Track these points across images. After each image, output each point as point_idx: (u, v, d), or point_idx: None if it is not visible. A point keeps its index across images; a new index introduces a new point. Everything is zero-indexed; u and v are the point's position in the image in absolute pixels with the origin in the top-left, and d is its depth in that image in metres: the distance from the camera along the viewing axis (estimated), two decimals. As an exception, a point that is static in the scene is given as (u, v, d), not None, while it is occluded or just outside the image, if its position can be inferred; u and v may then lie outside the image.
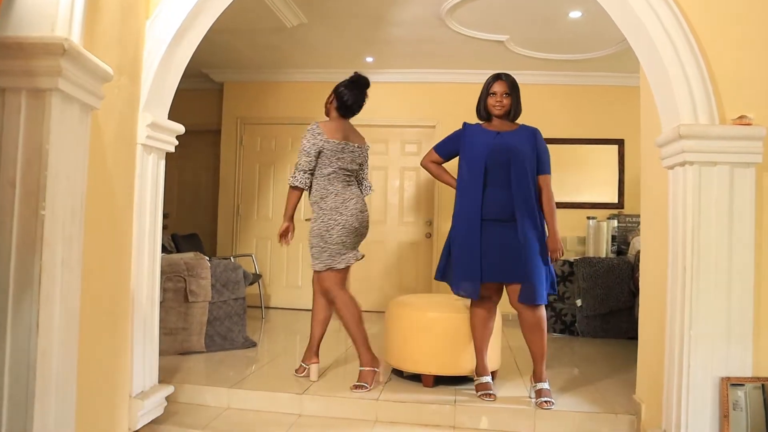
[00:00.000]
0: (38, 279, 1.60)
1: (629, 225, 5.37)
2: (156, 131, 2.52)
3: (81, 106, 1.77)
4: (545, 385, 2.87)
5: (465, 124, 3.06)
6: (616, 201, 5.79)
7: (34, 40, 1.60)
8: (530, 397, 2.90)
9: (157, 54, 2.47)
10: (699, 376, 2.17)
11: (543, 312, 2.87)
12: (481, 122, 3.04)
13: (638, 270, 4.55)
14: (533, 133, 2.95)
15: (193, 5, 2.48)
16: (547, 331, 3.03)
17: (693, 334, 2.17)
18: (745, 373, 2.15)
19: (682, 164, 2.23)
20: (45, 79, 1.61)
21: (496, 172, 2.86)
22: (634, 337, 4.49)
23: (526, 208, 2.83)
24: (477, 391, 2.95)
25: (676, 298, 2.26)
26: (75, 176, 1.76)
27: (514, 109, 2.95)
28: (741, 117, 2.17)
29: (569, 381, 3.31)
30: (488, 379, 3.00)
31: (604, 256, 5.13)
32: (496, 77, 2.96)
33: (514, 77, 2.99)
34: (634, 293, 4.66)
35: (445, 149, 3.12)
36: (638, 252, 4.67)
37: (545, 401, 2.79)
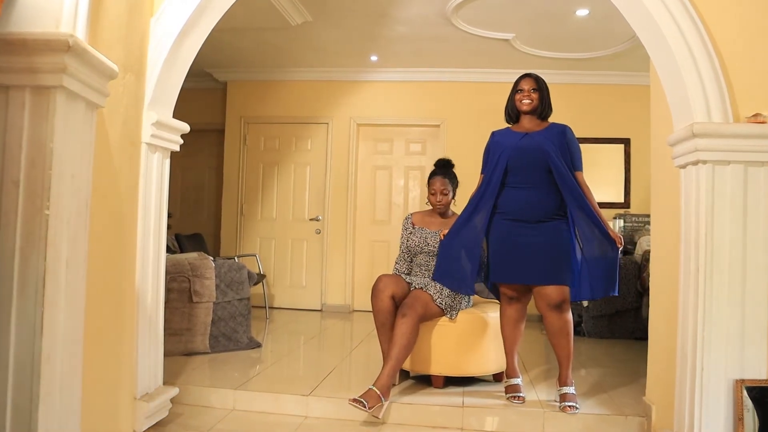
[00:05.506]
0: (42, 279, 1.58)
1: (635, 224, 5.33)
2: (161, 130, 2.49)
3: (86, 104, 1.74)
4: (570, 390, 2.81)
5: (492, 132, 3.02)
6: (622, 200, 5.77)
7: (37, 36, 1.57)
8: (555, 401, 2.85)
9: (161, 51, 2.44)
10: (712, 378, 2.14)
11: (569, 316, 2.82)
12: (510, 125, 2.99)
13: (645, 270, 4.53)
14: (562, 130, 2.86)
15: (197, 2, 2.45)
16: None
17: (706, 335, 2.14)
18: (760, 374, 2.12)
19: (695, 163, 2.19)
20: (49, 77, 1.58)
21: (519, 172, 2.82)
22: (640, 338, 4.46)
23: (554, 207, 2.80)
24: (506, 393, 2.92)
25: (688, 299, 2.22)
26: (80, 175, 1.74)
27: (542, 107, 2.88)
28: (755, 115, 2.13)
29: (576, 382, 3.26)
30: (518, 381, 2.95)
31: (610, 256, 5.08)
32: (524, 75, 2.93)
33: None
34: (641, 293, 4.63)
35: (484, 166, 3.02)
36: (645, 252, 4.64)
37: (568, 405, 2.73)
